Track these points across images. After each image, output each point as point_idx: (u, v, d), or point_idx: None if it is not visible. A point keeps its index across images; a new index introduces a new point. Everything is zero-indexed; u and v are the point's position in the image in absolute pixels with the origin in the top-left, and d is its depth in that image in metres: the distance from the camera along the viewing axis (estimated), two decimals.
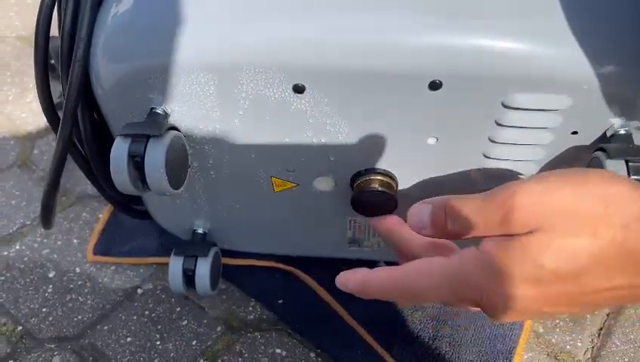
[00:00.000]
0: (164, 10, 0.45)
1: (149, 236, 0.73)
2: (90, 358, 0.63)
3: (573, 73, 0.43)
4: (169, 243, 0.69)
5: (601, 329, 0.66)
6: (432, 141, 0.49)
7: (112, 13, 0.46)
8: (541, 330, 0.66)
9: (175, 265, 0.61)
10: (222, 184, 0.56)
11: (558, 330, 0.66)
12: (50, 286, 0.70)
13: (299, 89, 0.45)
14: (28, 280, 0.70)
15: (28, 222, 0.77)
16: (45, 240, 0.74)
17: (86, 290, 0.69)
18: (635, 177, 0.42)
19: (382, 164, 0.52)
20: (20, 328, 0.65)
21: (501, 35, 0.42)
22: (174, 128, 0.47)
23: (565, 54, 0.43)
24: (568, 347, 0.65)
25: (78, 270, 0.71)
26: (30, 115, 0.90)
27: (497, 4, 0.43)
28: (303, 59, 0.44)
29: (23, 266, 0.71)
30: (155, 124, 0.45)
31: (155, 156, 0.43)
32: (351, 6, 0.44)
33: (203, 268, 0.60)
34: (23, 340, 0.64)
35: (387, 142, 0.49)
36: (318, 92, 0.45)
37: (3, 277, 0.70)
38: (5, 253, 0.73)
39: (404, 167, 0.52)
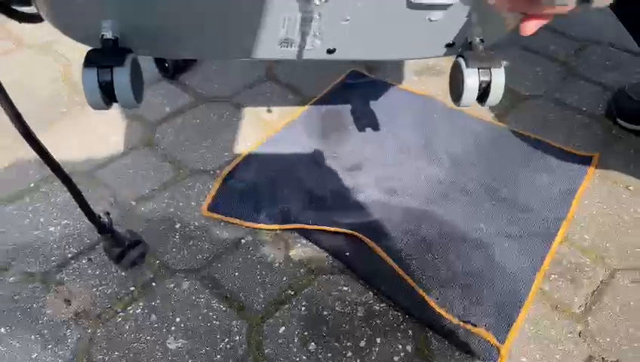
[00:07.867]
0: None
1: (249, 202, 0.97)
2: (210, 284, 0.86)
3: None
4: (263, 211, 0.92)
5: (594, 291, 0.86)
6: None
7: None
8: (547, 288, 0.86)
9: (89, 78, 0.53)
10: None
11: (559, 288, 0.86)
12: (177, 234, 0.94)
13: None
14: (161, 229, 0.95)
15: (156, 187, 1.01)
16: (170, 202, 0.99)
17: (203, 238, 0.93)
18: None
19: None
20: (157, 261, 0.90)
21: None
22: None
23: None
24: (567, 301, 0.84)
25: (196, 223, 0.95)
26: (149, 106, 1.16)
27: None
28: None
29: (156, 219, 0.96)
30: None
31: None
32: None
33: (122, 78, 0.53)
34: (161, 270, 0.89)
35: None
36: None
37: (142, 228, 0.95)
38: (143, 209, 0.98)
39: None
